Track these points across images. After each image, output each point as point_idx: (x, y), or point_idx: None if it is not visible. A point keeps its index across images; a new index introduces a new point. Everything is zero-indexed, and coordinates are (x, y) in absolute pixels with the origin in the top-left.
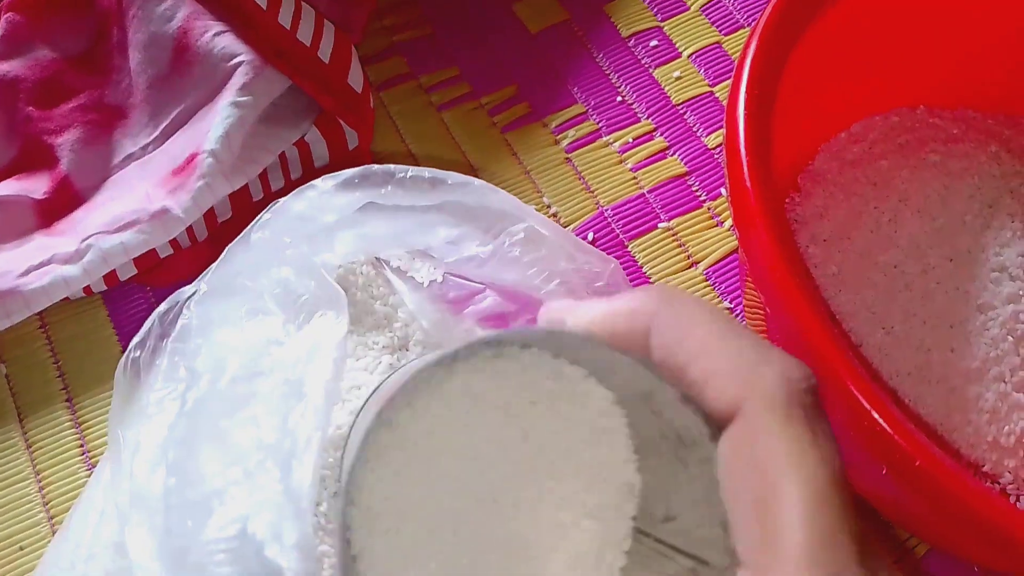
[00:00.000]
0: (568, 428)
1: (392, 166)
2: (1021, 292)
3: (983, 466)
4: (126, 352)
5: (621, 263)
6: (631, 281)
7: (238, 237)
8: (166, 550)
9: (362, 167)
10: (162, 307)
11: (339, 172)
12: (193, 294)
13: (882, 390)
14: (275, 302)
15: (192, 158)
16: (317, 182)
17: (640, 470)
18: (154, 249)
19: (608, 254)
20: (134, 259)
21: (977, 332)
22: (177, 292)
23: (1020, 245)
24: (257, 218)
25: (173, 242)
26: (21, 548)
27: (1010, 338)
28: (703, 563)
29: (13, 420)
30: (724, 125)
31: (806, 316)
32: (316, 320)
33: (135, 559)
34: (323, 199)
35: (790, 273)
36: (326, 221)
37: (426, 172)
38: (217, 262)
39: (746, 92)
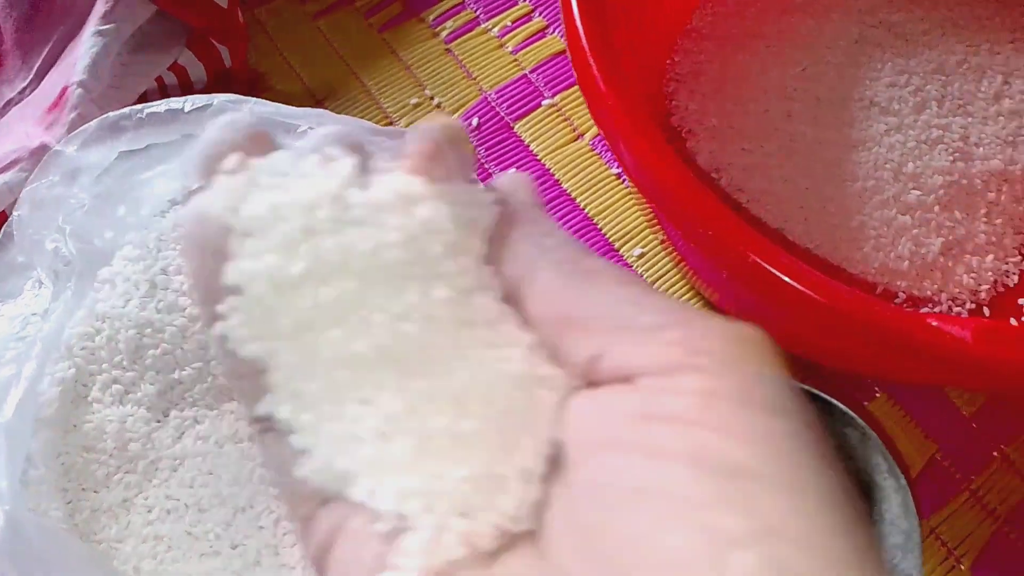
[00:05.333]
0: None
1: (127, 108)
2: (891, 122)
3: (876, 290)
4: None
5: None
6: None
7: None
8: None
9: (98, 119)
10: None
11: (78, 131)
12: None
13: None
14: (47, 274)
15: (63, 92)
16: (60, 147)
17: None
18: None
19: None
20: None
21: (853, 167)
22: None
23: (890, 75)
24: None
25: None
26: None
27: (888, 166)
28: None
29: None
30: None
31: (633, 136)
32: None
33: None
34: (72, 161)
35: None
36: (84, 194)
37: (161, 106)
38: None
39: None
